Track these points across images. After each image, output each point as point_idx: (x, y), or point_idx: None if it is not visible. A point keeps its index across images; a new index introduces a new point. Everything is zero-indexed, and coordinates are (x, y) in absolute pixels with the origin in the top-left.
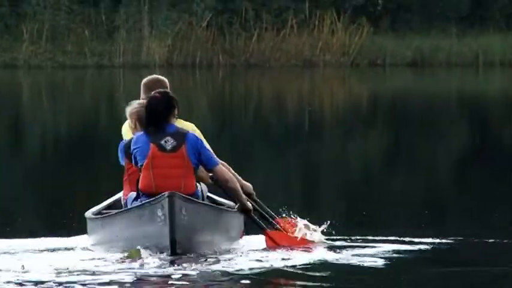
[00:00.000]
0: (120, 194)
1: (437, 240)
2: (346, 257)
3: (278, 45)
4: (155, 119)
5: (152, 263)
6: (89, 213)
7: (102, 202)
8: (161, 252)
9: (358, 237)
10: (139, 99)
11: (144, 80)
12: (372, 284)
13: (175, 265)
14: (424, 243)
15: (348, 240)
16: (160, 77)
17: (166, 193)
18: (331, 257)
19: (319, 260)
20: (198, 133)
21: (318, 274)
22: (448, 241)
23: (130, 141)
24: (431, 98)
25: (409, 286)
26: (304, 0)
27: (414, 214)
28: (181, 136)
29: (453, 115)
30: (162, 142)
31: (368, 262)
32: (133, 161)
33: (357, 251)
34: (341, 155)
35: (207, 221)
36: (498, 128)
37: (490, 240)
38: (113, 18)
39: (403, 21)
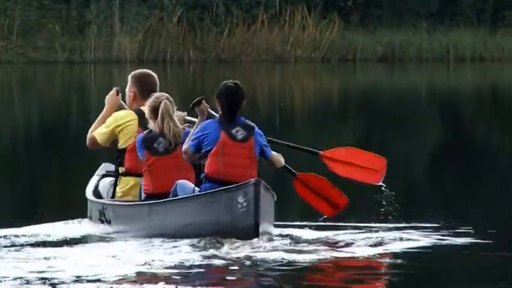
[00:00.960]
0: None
1: (408, 234)
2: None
3: (249, 40)
4: (230, 108)
5: (238, 247)
6: (108, 200)
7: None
8: (237, 238)
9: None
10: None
11: (135, 73)
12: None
13: (258, 249)
14: (396, 238)
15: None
16: (151, 71)
17: (252, 180)
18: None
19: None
20: None
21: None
22: (421, 233)
23: (149, 133)
24: (403, 93)
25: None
26: None
27: (386, 209)
28: (249, 128)
29: (424, 110)
30: (233, 131)
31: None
32: (192, 148)
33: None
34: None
35: (270, 208)
36: (469, 123)
37: (463, 230)
38: (84, 14)
39: (373, 16)
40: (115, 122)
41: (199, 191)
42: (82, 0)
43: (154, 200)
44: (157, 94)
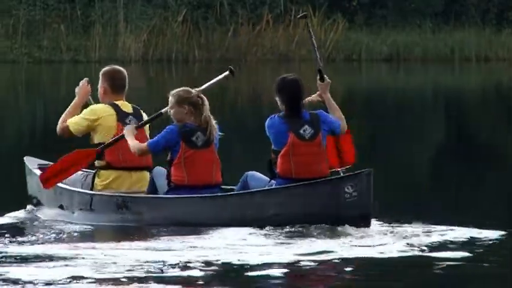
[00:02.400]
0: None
1: (415, 231)
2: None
3: (254, 40)
4: (294, 103)
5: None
6: (169, 194)
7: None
8: (344, 226)
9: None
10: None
11: (106, 70)
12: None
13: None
14: (404, 236)
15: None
16: (121, 68)
17: (365, 170)
18: None
19: None
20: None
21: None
22: (428, 229)
23: (184, 126)
24: (408, 92)
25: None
26: None
27: (390, 207)
28: (316, 122)
29: (429, 109)
30: (301, 131)
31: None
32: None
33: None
34: None
35: None
36: (474, 122)
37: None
38: (89, 14)
39: (378, 16)
40: (93, 115)
41: (275, 185)
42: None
43: (186, 191)
44: (184, 88)
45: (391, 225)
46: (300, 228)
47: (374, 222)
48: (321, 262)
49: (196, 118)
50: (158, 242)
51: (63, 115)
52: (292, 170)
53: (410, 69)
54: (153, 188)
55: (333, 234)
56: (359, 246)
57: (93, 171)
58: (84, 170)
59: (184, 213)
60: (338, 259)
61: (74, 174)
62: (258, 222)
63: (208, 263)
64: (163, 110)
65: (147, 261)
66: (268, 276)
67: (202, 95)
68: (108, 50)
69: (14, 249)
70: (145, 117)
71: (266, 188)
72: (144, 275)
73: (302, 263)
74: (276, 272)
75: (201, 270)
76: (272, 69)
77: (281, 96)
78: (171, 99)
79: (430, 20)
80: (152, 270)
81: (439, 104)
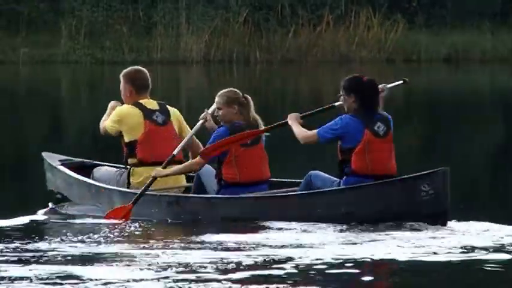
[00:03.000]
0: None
1: (490, 228)
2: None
3: (314, 41)
4: (371, 103)
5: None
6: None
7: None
8: (420, 223)
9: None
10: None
11: (128, 72)
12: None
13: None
14: (484, 234)
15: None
16: (142, 68)
17: (440, 169)
18: None
19: None
20: (182, 119)
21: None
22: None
23: (233, 125)
24: (467, 93)
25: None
26: None
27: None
28: (386, 120)
29: (488, 111)
30: (376, 128)
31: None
32: (323, 139)
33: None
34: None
35: None
36: None
37: None
38: (151, 15)
39: (437, 17)
40: (117, 116)
41: (343, 184)
42: (149, 1)
43: (238, 189)
44: (232, 89)
45: (464, 222)
46: (377, 226)
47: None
48: (395, 260)
49: (244, 117)
50: (231, 238)
51: (105, 115)
52: (368, 167)
53: (469, 69)
54: (200, 186)
55: (409, 232)
56: (437, 244)
57: (126, 169)
58: (117, 166)
59: (259, 213)
60: (415, 257)
61: (108, 173)
62: (331, 221)
63: (279, 261)
64: (209, 110)
65: (212, 261)
66: (344, 274)
67: (247, 95)
68: (170, 51)
69: (61, 248)
70: (171, 111)
71: (342, 186)
72: (214, 274)
73: (376, 261)
74: (352, 270)
75: (272, 268)
76: (333, 70)
77: (356, 96)
78: (218, 100)
79: (488, 20)
80: (224, 268)
81: (497, 105)
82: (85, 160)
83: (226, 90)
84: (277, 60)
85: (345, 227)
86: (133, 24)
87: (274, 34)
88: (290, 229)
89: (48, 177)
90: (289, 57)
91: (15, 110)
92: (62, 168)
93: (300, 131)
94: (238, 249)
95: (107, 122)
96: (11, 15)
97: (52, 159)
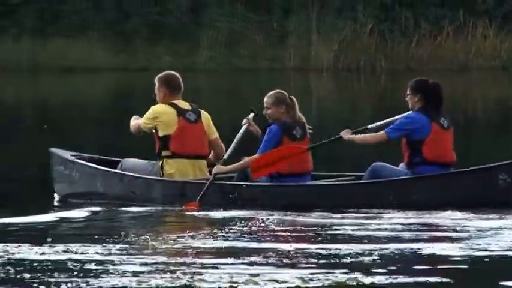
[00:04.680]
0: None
1: None
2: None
3: (435, 51)
4: (438, 102)
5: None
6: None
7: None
8: (493, 209)
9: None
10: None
11: (163, 76)
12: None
13: None
14: None
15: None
16: (174, 72)
17: None
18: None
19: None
20: (211, 122)
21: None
22: None
23: (283, 122)
24: None
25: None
26: (459, 9)
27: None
28: (448, 116)
29: None
30: (441, 121)
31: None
32: (393, 136)
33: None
34: (489, 156)
35: None
36: None
37: None
38: (284, 25)
39: None
40: (153, 114)
41: (415, 173)
42: (282, 12)
43: (289, 179)
44: (279, 90)
45: None
46: (454, 212)
47: None
48: (474, 247)
49: (290, 116)
50: (298, 227)
51: (133, 117)
52: (437, 156)
53: None
54: (243, 175)
55: (487, 219)
56: None
57: (158, 161)
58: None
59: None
60: (498, 246)
61: (140, 164)
62: (404, 208)
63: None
64: (249, 117)
65: (279, 249)
66: (416, 261)
67: (292, 97)
68: (302, 59)
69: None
70: (202, 113)
71: (420, 175)
72: (279, 260)
73: (450, 249)
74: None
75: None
76: (452, 78)
77: (424, 94)
78: (267, 100)
79: None
80: (295, 256)
81: None
82: (93, 156)
83: (274, 91)
84: (401, 70)
85: (420, 212)
86: (267, 34)
87: (399, 44)
88: (384, 217)
89: (58, 172)
90: (412, 66)
91: None
92: (81, 161)
93: (365, 136)
94: (306, 239)
95: (142, 120)
96: (155, 27)
97: (63, 154)
